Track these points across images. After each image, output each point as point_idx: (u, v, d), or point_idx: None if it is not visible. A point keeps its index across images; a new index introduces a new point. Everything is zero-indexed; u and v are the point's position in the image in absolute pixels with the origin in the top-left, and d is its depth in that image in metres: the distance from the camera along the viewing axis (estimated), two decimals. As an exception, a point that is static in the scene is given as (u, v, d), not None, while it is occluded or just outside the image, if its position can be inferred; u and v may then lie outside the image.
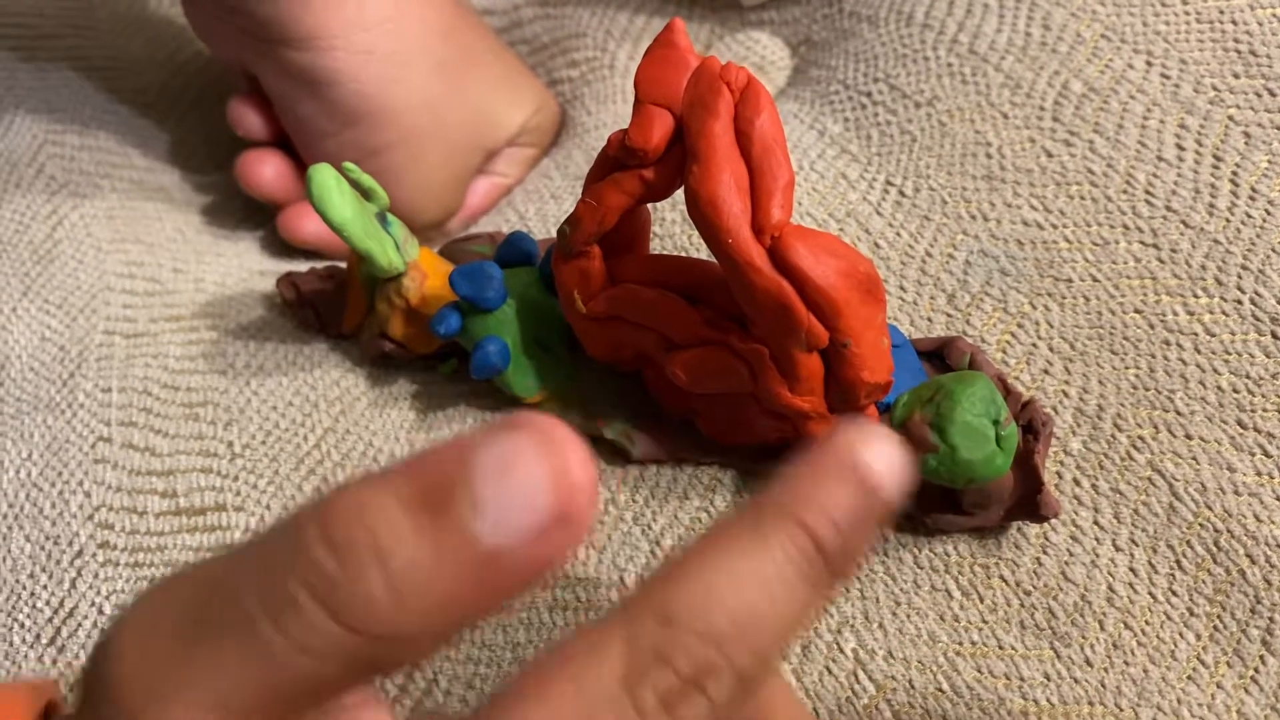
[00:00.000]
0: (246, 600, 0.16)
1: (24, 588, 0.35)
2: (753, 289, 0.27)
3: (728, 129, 0.28)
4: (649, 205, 0.32)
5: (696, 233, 0.38)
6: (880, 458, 0.19)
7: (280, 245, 0.45)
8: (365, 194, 0.34)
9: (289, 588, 0.16)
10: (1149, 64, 0.37)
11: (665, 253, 0.37)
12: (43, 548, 0.35)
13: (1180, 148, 0.35)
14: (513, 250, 0.35)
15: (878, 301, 0.28)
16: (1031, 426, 0.30)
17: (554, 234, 0.41)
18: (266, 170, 0.43)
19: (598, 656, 0.17)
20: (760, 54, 0.46)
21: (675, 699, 0.16)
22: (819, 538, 0.18)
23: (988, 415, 0.26)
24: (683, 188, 0.28)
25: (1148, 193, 0.34)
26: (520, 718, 0.16)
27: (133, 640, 0.17)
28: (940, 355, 0.32)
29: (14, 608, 0.35)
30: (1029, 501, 0.29)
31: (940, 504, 0.30)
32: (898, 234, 0.36)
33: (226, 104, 0.44)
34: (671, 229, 0.38)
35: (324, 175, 0.31)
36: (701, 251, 0.38)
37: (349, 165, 0.33)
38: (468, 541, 0.16)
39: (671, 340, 0.31)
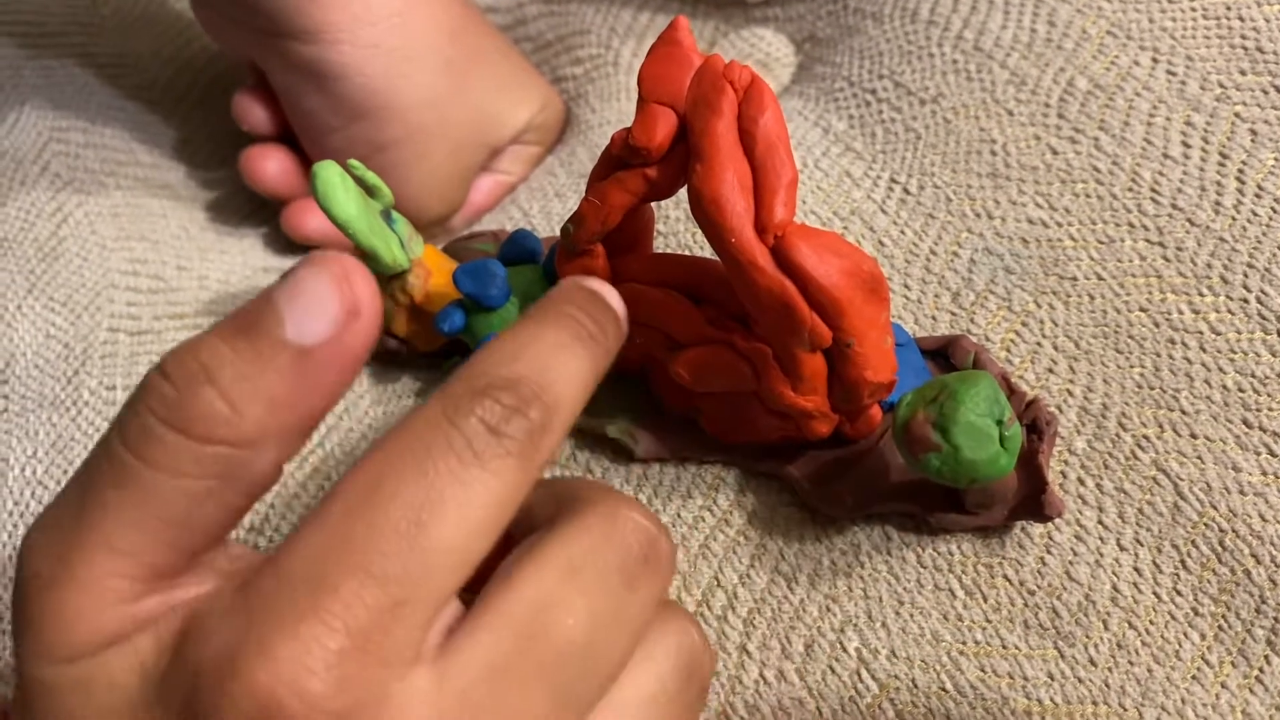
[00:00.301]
0: (115, 449, 0.19)
1: (29, 585, 0.35)
2: (756, 288, 0.27)
3: (731, 128, 0.27)
4: (652, 204, 0.32)
5: (700, 230, 0.38)
6: (605, 289, 0.24)
7: (284, 241, 0.45)
8: (370, 191, 0.34)
9: (145, 422, 0.19)
10: (1155, 60, 0.37)
11: (668, 251, 0.37)
12: (48, 545, 0.35)
13: (1186, 145, 0.35)
14: (516, 248, 0.35)
15: (881, 301, 0.28)
16: (1035, 426, 0.30)
17: (557, 232, 0.41)
18: (271, 165, 0.43)
19: (421, 412, 0.20)
20: (765, 50, 0.46)
21: (498, 420, 0.19)
22: (581, 320, 0.22)
23: (991, 415, 0.26)
24: (686, 186, 0.28)
25: (1153, 190, 0.34)
26: (355, 471, 0.19)
27: (37, 531, 0.20)
28: (944, 354, 0.32)
29: (19, 605, 0.35)
30: (1033, 501, 0.29)
31: (944, 503, 0.30)
32: (902, 232, 0.36)
33: (231, 98, 0.44)
34: (675, 226, 0.38)
35: (329, 172, 0.31)
36: (705, 249, 0.38)
37: (354, 162, 0.33)
38: (279, 347, 0.19)
39: (675, 339, 0.31)
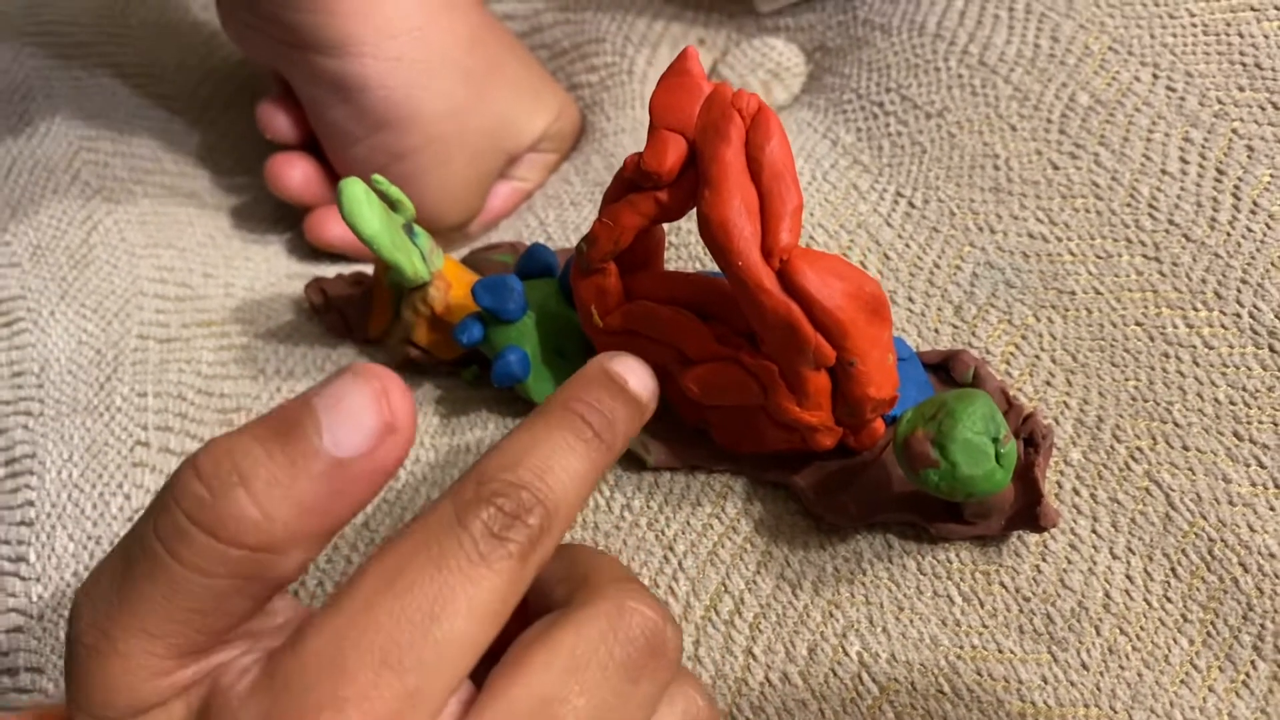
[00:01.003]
0: (149, 541, 0.20)
1: (68, 585, 0.36)
2: (762, 310, 0.28)
3: (739, 154, 0.29)
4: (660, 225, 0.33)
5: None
6: (629, 370, 0.26)
7: (307, 249, 0.46)
8: (392, 205, 0.35)
9: (177, 520, 0.20)
10: (1155, 76, 0.38)
11: (680, 266, 0.39)
12: (85, 547, 0.37)
13: (1184, 161, 0.36)
14: (533, 262, 0.36)
15: (883, 321, 0.29)
16: (1032, 439, 0.31)
17: (573, 241, 0.42)
18: (295, 173, 0.44)
19: (434, 513, 0.22)
20: (776, 60, 0.47)
21: (501, 527, 0.21)
22: (589, 419, 0.24)
23: (988, 433, 0.27)
24: (695, 210, 0.29)
25: (1151, 206, 0.35)
26: (373, 563, 0.21)
27: (84, 600, 0.21)
28: (945, 368, 0.33)
29: (59, 604, 0.36)
30: (1029, 512, 0.30)
31: (943, 514, 0.31)
32: (907, 245, 0.37)
33: (256, 107, 0.45)
34: (687, 238, 0.39)
35: (354, 189, 0.32)
36: (714, 263, 0.39)
37: (377, 177, 0.34)
38: (314, 457, 0.20)
39: (685, 355, 0.32)
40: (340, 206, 0.32)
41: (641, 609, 0.23)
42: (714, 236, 0.28)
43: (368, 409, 0.21)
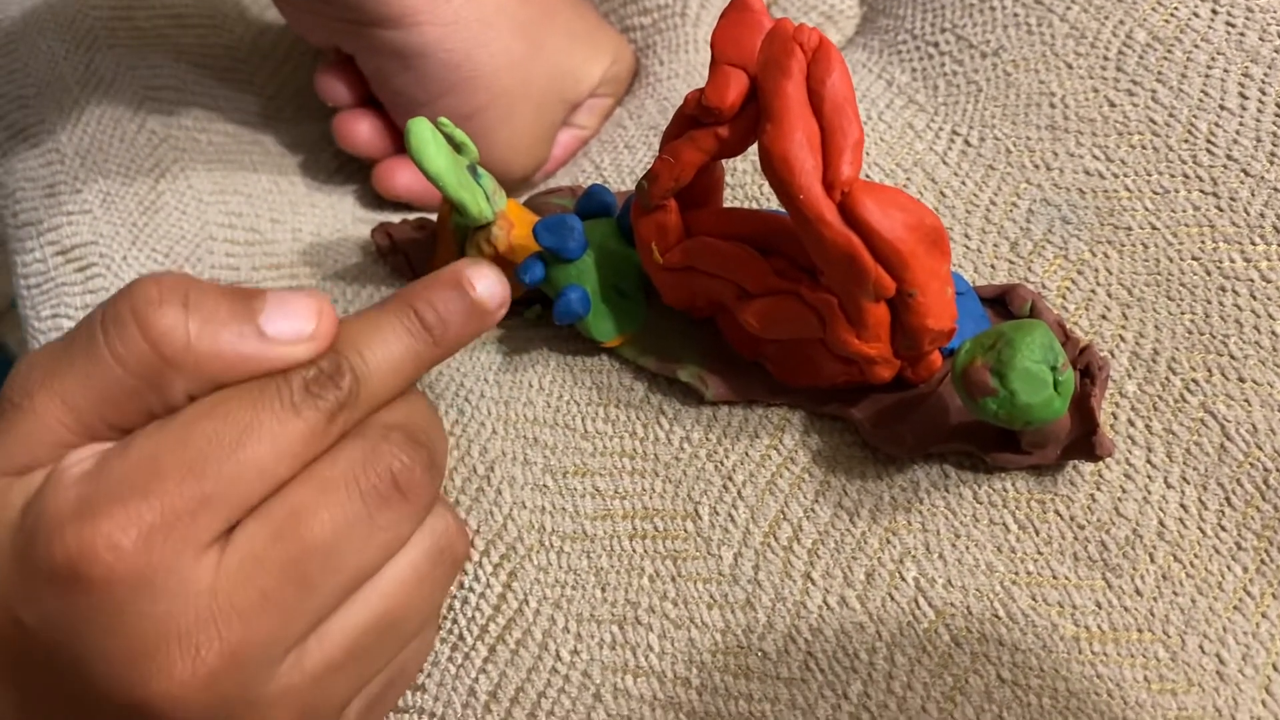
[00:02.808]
0: (94, 324, 0.25)
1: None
2: (823, 242, 0.29)
3: (800, 88, 0.29)
4: (722, 160, 0.33)
5: (767, 182, 0.40)
6: (480, 276, 0.29)
7: (371, 197, 0.47)
8: (457, 147, 0.36)
9: (121, 311, 0.24)
10: (1214, 12, 0.37)
11: (737, 205, 0.39)
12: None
13: (1243, 96, 0.36)
14: (592, 202, 0.37)
15: (942, 253, 0.30)
16: (1089, 370, 0.31)
17: (628, 185, 0.43)
18: (362, 128, 0.45)
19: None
20: (829, 3, 0.47)
21: (314, 385, 0.25)
22: (422, 315, 0.28)
23: (1046, 361, 0.28)
24: (757, 145, 0.30)
25: (1209, 142, 0.35)
26: (206, 398, 0.25)
27: (24, 365, 0.25)
28: (1002, 301, 0.34)
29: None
30: (1085, 441, 0.31)
31: (999, 443, 0.31)
32: (963, 183, 0.37)
33: (314, 74, 0.46)
34: (743, 178, 0.40)
35: (421, 129, 0.33)
36: (771, 201, 0.39)
37: (443, 120, 0.35)
38: (247, 321, 0.25)
39: (744, 289, 0.32)
40: (408, 146, 0.33)
41: (394, 450, 0.27)
42: (775, 170, 0.29)
43: (305, 316, 0.26)
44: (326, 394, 0.25)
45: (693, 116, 0.31)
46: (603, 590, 0.33)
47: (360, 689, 0.29)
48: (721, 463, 0.34)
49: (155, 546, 0.23)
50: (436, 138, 0.34)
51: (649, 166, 0.42)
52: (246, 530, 0.25)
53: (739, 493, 0.34)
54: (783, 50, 0.29)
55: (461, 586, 0.34)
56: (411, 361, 0.28)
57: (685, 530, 0.33)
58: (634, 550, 0.33)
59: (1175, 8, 0.38)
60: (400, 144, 0.46)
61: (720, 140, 0.31)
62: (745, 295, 0.33)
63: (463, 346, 0.30)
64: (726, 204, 0.39)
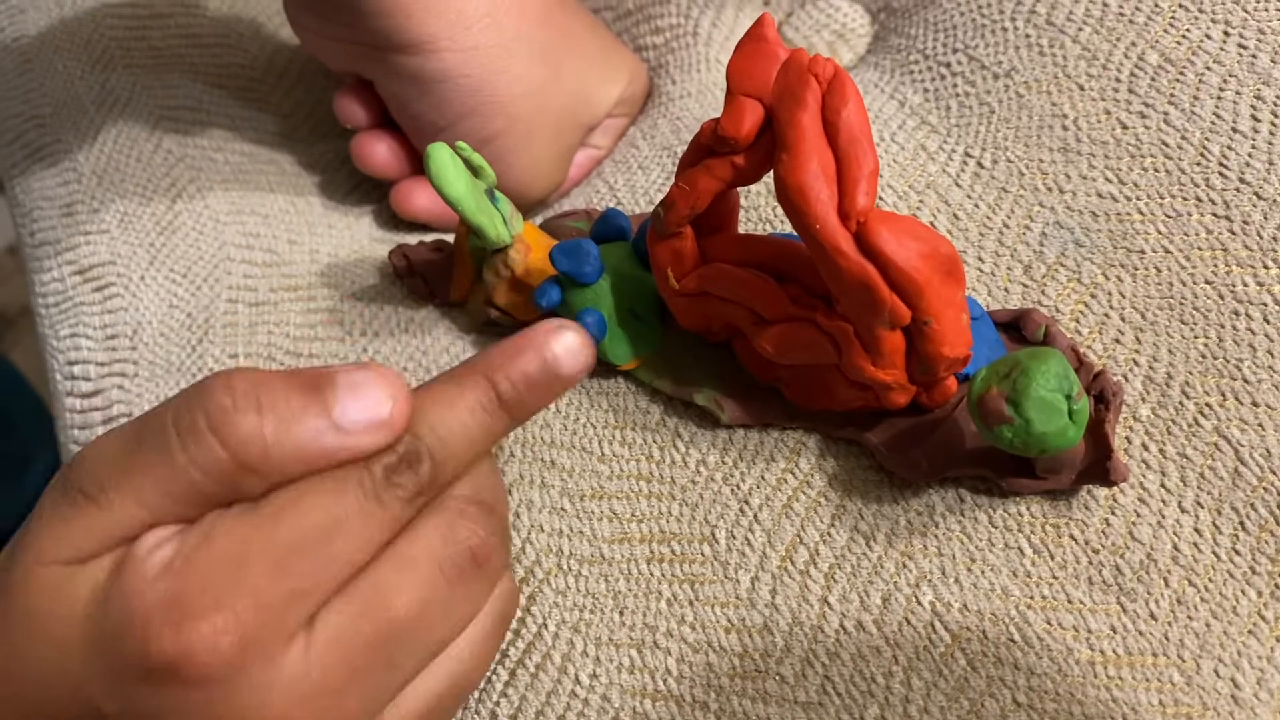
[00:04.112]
0: (166, 427, 0.24)
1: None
2: (839, 271, 0.29)
3: (815, 119, 0.29)
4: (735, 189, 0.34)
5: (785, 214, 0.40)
6: (563, 343, 0.27)
7: (388, 217, 0.48)
8: (474, 171, 0.36)
9: (196, 420, 0.24)
10: (1226, 34, 0.38)
11: (752, 229, 0.39)
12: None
13: (1255, 119, 0.36)
14: (608, 227, 0.37)
15: (957, 281, 0.30)
16: (1103, 396, 0.31)
17: (642, 205, 0.43)
18: (380, 150, 0.45)
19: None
20: (841, 21, 0.47)
21: (391, 472, 0.25)
22: (500, 390, 0.27)
23: (1061, 390, 0.28)
24: (772, 174, 0.30)
25: (1221, 164, 0.35)
26: (289, 487, 0.25)
27: (91, 455, 0.25)
28: (1017, 326, 0.34)
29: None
30: (1099, 467, 0.31)
31: (1014, 468, 0.32)
32: (976, 205, 0.38)
33: (333, 96, 0.46)
34: (757, 200, 0.40)
35: (441, 154, 0.34)
36: (786, 224, 0.40)
37: (461, 144, 0.35)
38: (322, 416, 0.25)
39: (760, 316, 0.33)
40: (427, 171, 0.34)
41: (471, 525, 0.27)
42: (791, 200, 0.29)
43: (379, 402, 0.25)
44: (407, 483, 0.26)
45: (708, 146, 0.31)
46: (621, 614, 0.33)
47: None
48: (738, 486, 0.34)
49: (250, 644, 0.23)
50: (455, 163, 0.34)
51: (662, 187, 0.43)
52: (333, 611, 0.25)
53: (755, 516, 0.34)
54: (798, 81, 0.29)
55: (480, 609, 0.34)
56: (486, 437, 0.27)
57: (702, 554, 0.34)
58: (651, 574, 0.34)
59: (1187, 30, 0.38)
60: (418, 165, 0.46)
61: (736, 169, 0.31)
62: (761, 321, 0.33)
63: (537, 413, 0.30)
64: (741, 228, 0.40)
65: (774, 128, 0.30)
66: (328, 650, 0.25)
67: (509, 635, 0.34)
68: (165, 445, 0.24)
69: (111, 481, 0.24)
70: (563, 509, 0.36)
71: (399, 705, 0.27)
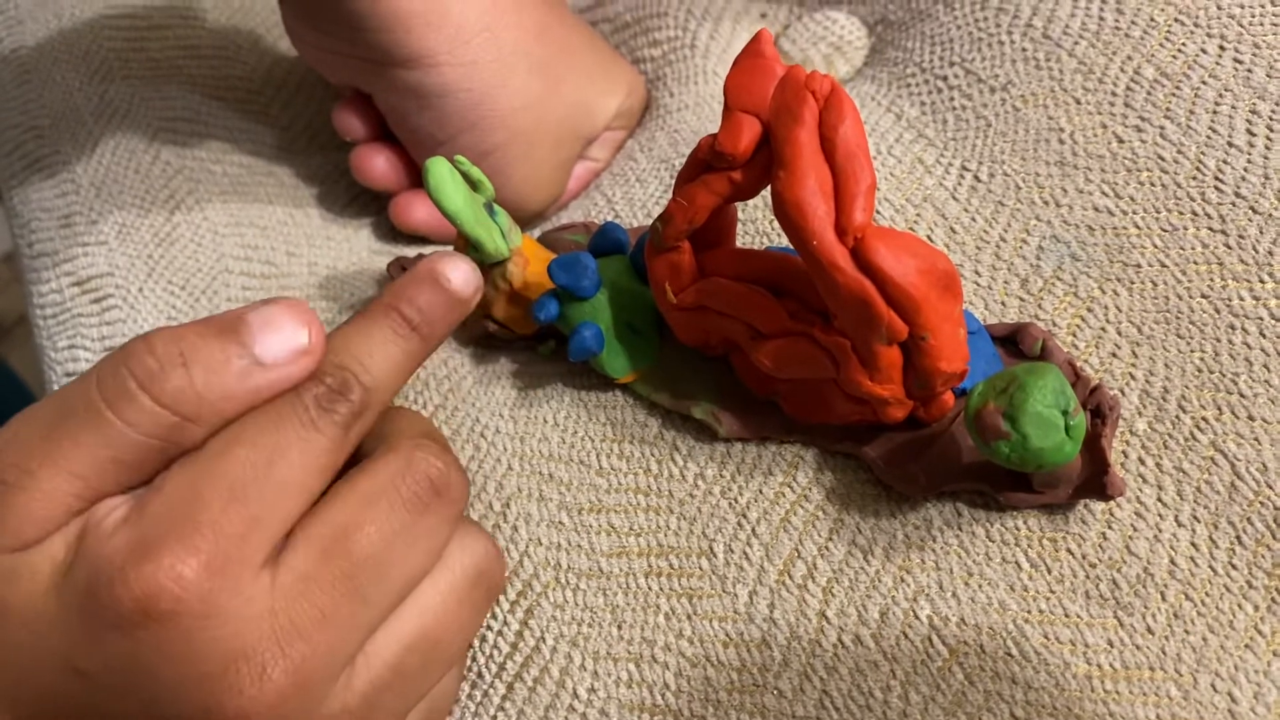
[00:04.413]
0: (92, 398, 0.25)
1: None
2: (836, 287, 0.29)
3: (813, 135, 0.29)
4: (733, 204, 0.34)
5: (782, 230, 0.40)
6: (453, 269, 0.30)
7: (386, 230, 0.48)
8: (473, 185, 0.36)
9: (125, 384, 0.25)
10: (1222, 49, 0.38)
11: (749, 242, 0.40)
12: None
13: (1251, 133, 0.36)
14: (606, 240, 0.37)
15: (954, 296, 0.30)
16: (1099, 410, 0.31)
17: (641, 218, 0.43)
18: (379, 162, 0.45)
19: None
20: (838, 34, 0.47)
21: (328, 400, 0.27)
22: (406, 315, 0.29)
23: (1057, 406, 0.28)
24: (770, 190, 0.30)
25: (1217, 179, 0.36)
26: (226, 429, 0.26)
27: (7, 442, 0.26)
28: (1014, 340, 0.34)
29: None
30: (1096, 481, 0.31)
31: (1011, 483, 0.32)
32: (973, 219, 0.38)
33: (332, 109, 0.46)
34: (755, 215, 0.40)
35: (440, 168, 0.34)
36: (784, 239, 0.40)
37: (460, 158, 0.36)
38: (243, 355, 0.26)
39: (758, 330, 0.33)
40: (426, 184, 0.34)
41: (428, 457, 0.28)
42: (789, 216, 0.29)
43: (294, 331, 0.27)
44: (339, 407, 0.27)
45: (706, 161, 0.31)
46: (619, 628, 0.33)
47: (405, 713, 0.30)
48: (736, 500, 0.35)
49: (215, 572, 0.24)
50: (454, 176, 0.34)
51: (660, 200, 0.43)
52: (295, 550, 0.26)
53: (753, 530, 0.34)
54: (795, 97, 0.30)
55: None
56: (405, 359, 0.29)
57: (700, 568, 0.34)
58: (649, 588, 0.34)
59: (1183, 44, 0.38)
60: (417, 178, 0.46)
61: (734, 185, 0.31)
62: (758, 336, 0.33)
63: (448, 336, 0.32)
64: (739, 242, 0.40)
65: (771, 143, 0.30)
66: (294, 587, 0.25)
67: (504, 648, 0.34)
68: (95, 415, 0.25)
69: (36, 462, 0.25)
70: (561, 522, 0.36)
71: (369, 656, 0.27)
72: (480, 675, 0.34)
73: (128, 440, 0.25)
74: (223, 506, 0.25)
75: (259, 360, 0.26)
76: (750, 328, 0.33)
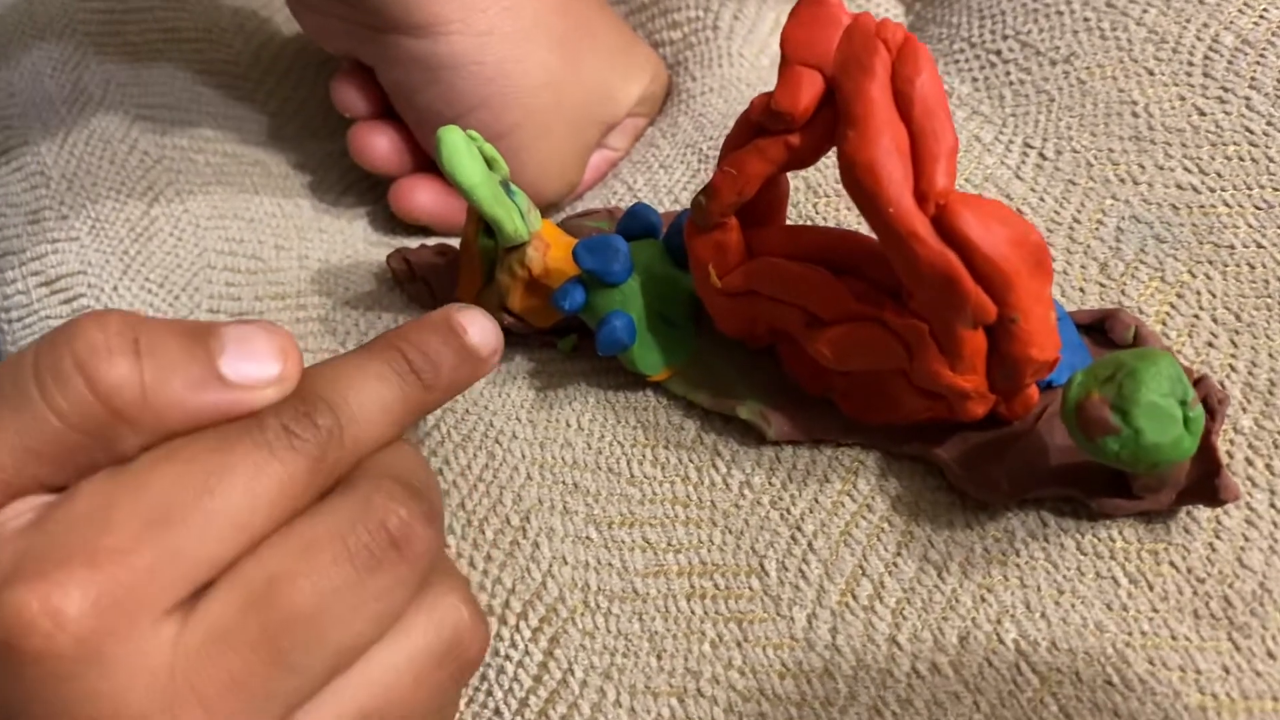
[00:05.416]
0: (24, 374, 0.21)
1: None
2: (916, 261, 0.25)
3: (885, 90, 0.26)
4: (787, 174, 0.30)
5: (823, 201, 0.36)
6: (472, 322, 0.26)
7: (384, 221, 0.44)
8: (488, 163, 0.33)
9: (62, 362, 0.21)
10: (1308, 13, 0.34)
11: (803, 224, 0.36)
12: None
13: (1348, 103, 0.33)
14: (636, 222, 0.34)
15: (1046, 274, 0.26)
16: (1207, 404, 0.28)
17: (666, 205, 0.39)
18: (380, 142, 0.42)
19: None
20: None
21: (291, 423, 0.22)
22: (409, 357, 0.25)
23: (1174, 395, 0.24)
24: (836, 154, 0.26)
25: (1314, 152, 0.32)
26: (164, 444, 0.22)
27: None
28: (1100, 328, 0.30)
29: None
30: (1205, 484, 0.27)
31: (1107, 487, 0.28)
32: (1041, 199, 0.34)
33: (329, 79, 0.43)
34: (796, 197, 0.37)
35: (454, 137, 0.30)
36: (828, 222, 0.36)
37: (473, 133, 0.32)
38: (208, 366, 0.22)
39: (816, 316, 0.29)
40: (439, 156, 0.30)
41: (389, 503, 0.23)
42: (859, 181, 0.26)
43: (269, 355, 0.22)
44: (305, 433, 0.22)
45: (759, 123, 0.28)
46: (658, 658, 0.29)
47: None
48: (788, 511, 0.31)
49: (105, 613, 0.20)
50: (470, 147, 0.30)
51: (687, 185, 0.39)
52: (215, 597, 0.21)
53: (809, 545, 0.30)
54: (865, 48, 0.26)
55: (497, 654, 0.30)
56: (401, 405, 0.24)
57: (750, 588, 0.30)
58: (692, 612, 0.30)
59: (1265, 9, 0.35)
60: (420, 161, 0.42)
61: (790, 149, 0.28)
62: (816, 322, 0.29)
63: (455, 395, 0.27)
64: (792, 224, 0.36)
65: (837, 101, 0.26)
66: (204, 644, 0.21)
67: (526, 680, 0.30)
68: (23, 394, 0.21)
69: None
70: (589, 538, 0.32)
71: None
72: (498, 712, 0.30)
73: (48, 430, 0.21)
74: (135, 532, 0.20)
75: (221, 374, 0.22)
76: (807, 313, 0.29)
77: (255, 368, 0.22)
